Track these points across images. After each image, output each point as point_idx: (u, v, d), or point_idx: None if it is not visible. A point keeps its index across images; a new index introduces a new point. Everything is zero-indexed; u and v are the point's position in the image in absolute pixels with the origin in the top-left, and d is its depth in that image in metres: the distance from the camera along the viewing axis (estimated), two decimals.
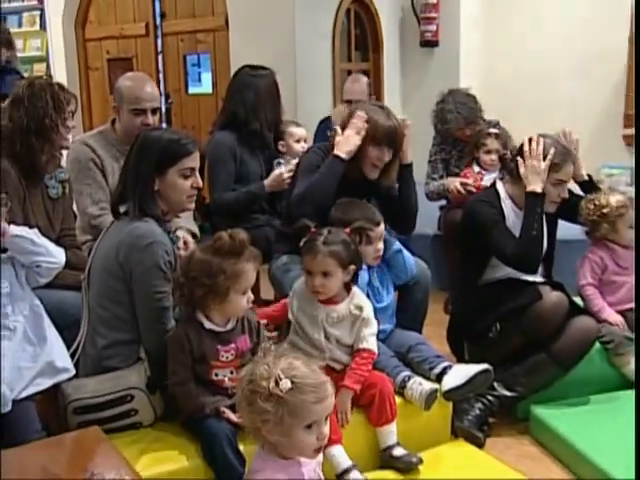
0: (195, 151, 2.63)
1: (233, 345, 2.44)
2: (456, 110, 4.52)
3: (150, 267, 2.45)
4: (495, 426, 3.21)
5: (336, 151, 3.12)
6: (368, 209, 3.01)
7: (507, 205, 3.31)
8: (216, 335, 2.43)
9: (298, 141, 3.96)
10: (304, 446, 1.87)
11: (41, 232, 2.45)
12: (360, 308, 2.75)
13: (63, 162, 3.26)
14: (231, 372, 2.44)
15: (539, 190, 3.16)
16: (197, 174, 2.66)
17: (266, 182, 3.83)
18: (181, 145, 2.60)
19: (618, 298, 3.42)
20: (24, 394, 2.28)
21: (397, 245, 3.08)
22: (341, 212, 2.98)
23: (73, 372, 2.45)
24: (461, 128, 4.58)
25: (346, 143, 3.11)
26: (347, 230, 2.78)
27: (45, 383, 2.36)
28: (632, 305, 3.40)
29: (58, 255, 2.45)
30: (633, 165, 5.21)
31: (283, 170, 3.80)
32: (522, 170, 3.20)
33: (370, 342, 2.74)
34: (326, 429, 1.90)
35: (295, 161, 3.70)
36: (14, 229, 2.33)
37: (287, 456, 1.91)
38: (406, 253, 3.09)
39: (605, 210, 3.36)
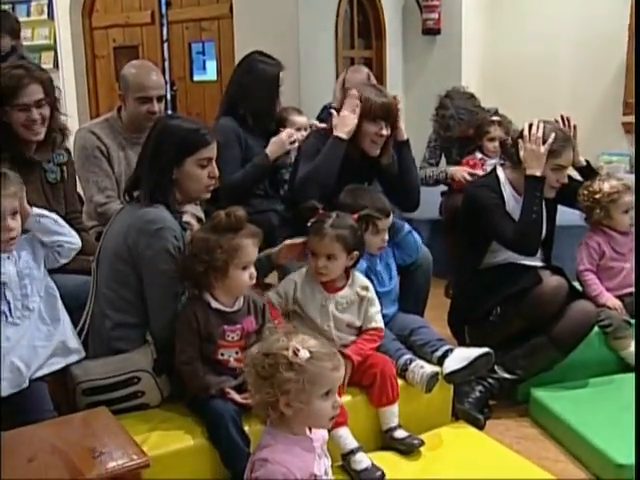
0: (213, 142, 2.66)
1: (239, 325, 2.49)
2: (457, 116, 4.52)
3: (159, 251, 2.48)
4: (495, 408, 3.25)
5: (336, 132, 3.18)
6: (379, 199, 3.03)
7: (507, 190, 3.34)
8: (223, 315, 2.48)
9: (299, 129, 3.98)
10: (322, 414, 1.94)
11: None
12: (366, 288, 2.81)
13: (70, 144, 3.27)
14: (237, 352, 2.48)
15: (538, 174, 3.19)
16: (214, 164, 2.68)
17: (268, 149, 3.78)
18: (200, 135, 2.63)
19: (616, 283, 3.46)
20: (39, 373, 2.34)
21: (407, 226, 3.13)
22: (351, 198, 3.00)
23: (84, 354, 2.51)
24: (463, 131, 4.60)
25: (344, 123, 3.18)
26: (355, 217, 2.82)
27: (59, 363, 2.42)
28: (630, 290, 3.45)
29: (76, 236, 2.53)
30: (633, 155, 5.24)
31: (283, 135, 3.81)
32: (522, 154, 3.23)
33: (377, 320, 2.81)
34: (339, 398, 1.98)
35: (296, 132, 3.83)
36: (36, 210, 2.39)
37: (299, 432, 1.98)
38: (413, 233, 3.15)
39: (597, 196, 3.40)
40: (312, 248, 2.75)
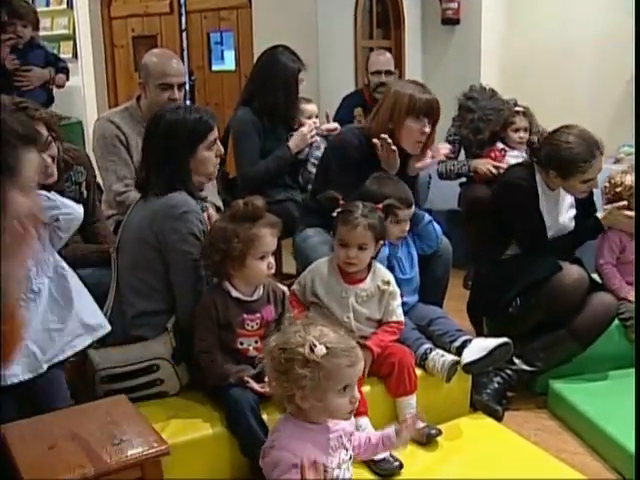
0: (215, 122, 2.73)
1: (258, 315, 2.50)
2: (485, 117, 4.50)
3: (186, 235, 2.51)
4: (513, 400, 3.24)
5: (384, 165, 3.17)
6: (402, 189, 3.03)
7: (541, 185, 3.32)
8: (242, 304, 2.49)
9: (310, 117, 4.02)
10: (339, 409, 1.94)
11: None
12: (388, 282, 2.80)
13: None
14: (256, 341, 2.49)
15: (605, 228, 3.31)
16: (218, 142, 2.75)
17: (290, 143, 3.88)
18: (204, 122, 2.69)
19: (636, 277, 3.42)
20: (61, 357, 2.33)
21: (427, 217, 3.13)
22: (376, 185, 3.00)
23: (108, 328, 2.48)
24: (492, 129, 4.56)
25: (387, 165, 3.16)
26: (380, 206, 2.81)
27: (80, 343, 2.40)
28: None
29: (75, 207, 2.50)
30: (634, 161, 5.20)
31: (305, 129, 3.89)
32: (605, 211, 3.33)
33: (398, 314, 2.80)
34: (357, 392, 1.97)
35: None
36: None
37: (317, 422, 1.97)
38: (434, 224, 3.15)
39: (619, 189, 3.37)
40: (343, 238, 2.72)
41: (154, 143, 2.69)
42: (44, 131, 2.65)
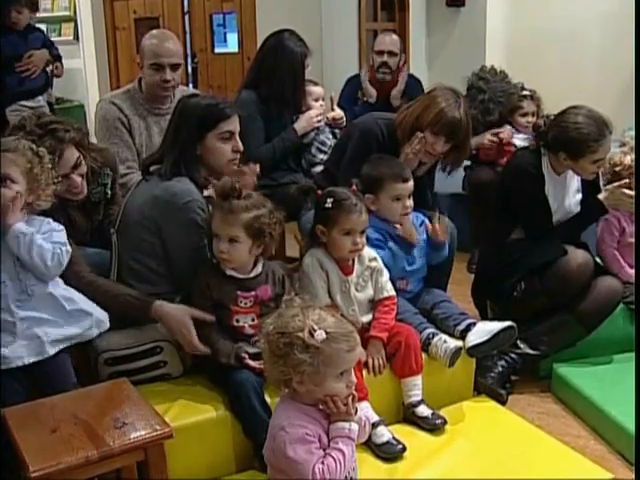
0: (233, 115, 2.70)
1: (253, 293, 2.49)
2: (497, 99, 4.46)
3: (186, 225, 2.52)
4: (517, 384, 3.24)
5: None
6: (397, 165, 3.00)
7: (548, 170, 3.29)
8: (236, 281, 2.48)
9: (317, 100, 4.00)
10: (336, 393, 1.94)
11: (78, 230, 2.56)
12: (374, 258, 2.79)
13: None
14: (252, 319, 2.49)
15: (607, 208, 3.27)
16: (237, 138, 2.72)
17: (296, 125, 3.87)
18: (219, 109, 2.67)
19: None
20: (67, 343, 2.29)
21: (444, 250, 3.06)
22: (371, 167, 2.98)
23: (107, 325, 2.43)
24: (501, 112, 4.53)
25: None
26: (353, 188, 2.78)
27: (89, 333, 2.35)
28: None
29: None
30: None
31: (312, 112, 3.89)
32: (606, 192, 3.27)
33: (388, 288, 2.79)
34: (354, 377, 1.98)
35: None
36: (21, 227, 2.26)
37: (313, 403, 1.97)
38: (446, 247, 3.07)
39: (618, 169, 3.34)
40: (351, 226, 2.65)
41: (169, 125, 2.74)
42: (74, 152, 2.64)
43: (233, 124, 2.70)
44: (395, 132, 3.20)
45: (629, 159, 3.34)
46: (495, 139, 4.36)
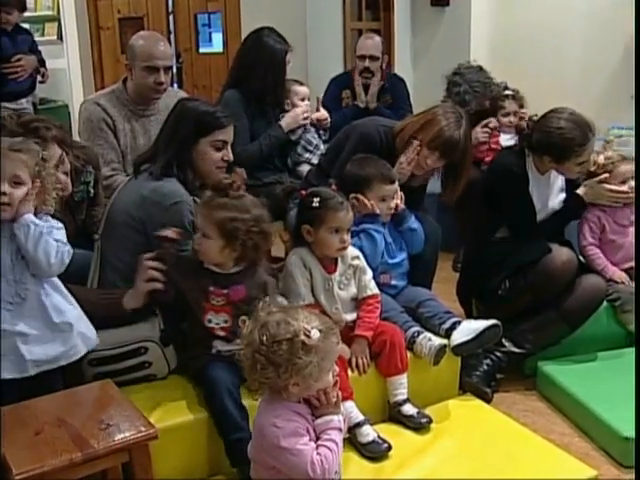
0: (229, 126, 2.74)
1: (225, 291, 2.44)
2: (472, 90, 4.46)
3: (176, 225, 2.49)
4: (503, 382, 3.25)
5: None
6: (384, 166, 3.00)
7: (532, 169, 3.31)
8: (212, 275, 2.45)
9: (302, 99, 4.02)
10: (327, 385, 1.99)
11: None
12: (357, 257, 2.79)
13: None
14: (225, 321, 2.45)
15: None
16: (229, 148, 2.75)
17: (282, 122, 3.89)
18: (215, 118, 2.72)
19: (619, 257, 3.43)
20: (54, 365, 2.20)
21: (413, 223, 3.07)
22: (357, 167, 2.99)
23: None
24: (480, 104, 4.54)
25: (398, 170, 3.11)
26: (333, 187, 2.80)
27: (76, 353, 2.26)
28: (633, 263, 3.42)
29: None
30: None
31: (299, 110, 3.92)
32: (586, 186, 3.31)
33: (372, 287, 2.79)
34: (336, 366, 2.03)
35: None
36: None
37: (298, 400, 1.99)
38: (419, 232, 3.08)
39: (593, 168, 3.36)
40: (338, 224, 2.67)
41: (165, 125, 2.77)
42: (57, 150, 2.61)
43: (227, 134, 2.74)
44: (394, 140, 3.19)
45: (602, 158, 3.37)
46: (487, 129, 4.37)
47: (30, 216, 2.15)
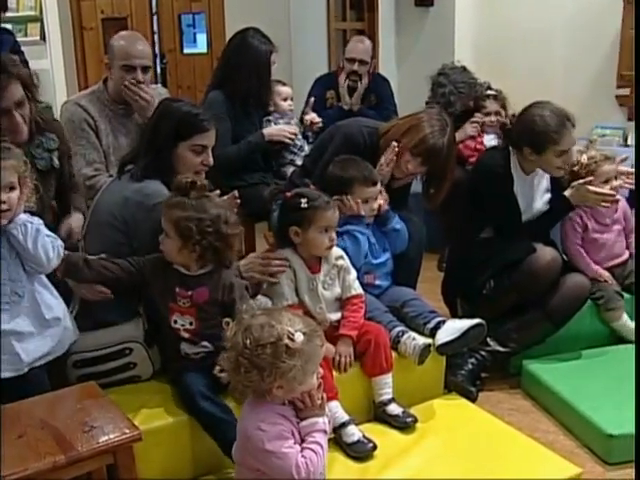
0: (211, 129, 2.69)
1: (190, 292, 2.40)
2: (457, 90, 4.47)
3: (157, 226, 2.45)
4: (487, 381, 3.26)
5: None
6: (365, 167, 2.99)
7: (516, 169, 3.32)
8: (179, 276, 2.42)
9: (285, 99, 4.04)
10: (312, 387, 1.99)
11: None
12: (341, 257, 2.79)
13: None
14: (190, 323, 2.42)
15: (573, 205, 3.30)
16: (209, 152, 2.71)
17: (265, 130, 3.89)
18: (197, 121, 2.67)
19: (602, 256, 3.46)
20: (43, 361, 2.26)
21: (396, 223, 3.07)
22: (339, 169, 2.98)
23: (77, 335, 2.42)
24: (464, 104, 4.55)
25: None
26: (312, 187, 2.83)
27: (62, 348, 2.33)
28: (617, 261, 3.47)
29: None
30: (627, 129, 5.23)
31: (287, 128, 3.94)
32: (572, 189, 3.28)
33: (356, 287, 2.79)
34: (320, 368, 2.03)
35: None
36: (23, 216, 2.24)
37: (282, 402, 1.99)
38: (402, 232, 3.08)
39: (575, 168, 3.37)
40: (327, 223, 2.67)
41: (148, 124, 2.75)
42: (20, 90, 2.60)
43: (208, 139, 2.69)
44: (378, 142, 3.17)
45: (584, 157, 3.38)
46: (475, 124, 4.38)
47: (24, 215, 2.21)
